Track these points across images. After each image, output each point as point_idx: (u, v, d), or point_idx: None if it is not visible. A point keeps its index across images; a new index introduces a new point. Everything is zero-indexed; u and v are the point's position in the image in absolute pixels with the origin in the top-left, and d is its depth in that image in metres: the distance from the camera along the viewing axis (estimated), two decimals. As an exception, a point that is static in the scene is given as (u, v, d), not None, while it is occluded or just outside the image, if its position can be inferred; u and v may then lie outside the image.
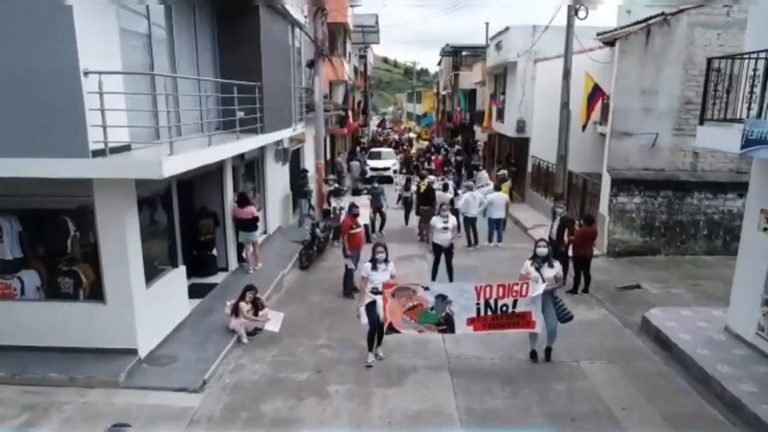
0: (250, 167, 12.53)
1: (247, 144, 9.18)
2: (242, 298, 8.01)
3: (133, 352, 6.95)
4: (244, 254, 10.98)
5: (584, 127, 15.02)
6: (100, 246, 6.65)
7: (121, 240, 6.60)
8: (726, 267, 11.76)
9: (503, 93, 22.53)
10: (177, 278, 8.33)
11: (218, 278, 10.46)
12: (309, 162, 17.28)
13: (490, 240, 13.96)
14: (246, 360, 7.46)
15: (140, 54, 7.32)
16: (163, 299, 7.65)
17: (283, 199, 15.10)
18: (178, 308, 8.28)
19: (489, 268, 12.03)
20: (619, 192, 12.25)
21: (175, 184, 8.17)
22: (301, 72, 14.26)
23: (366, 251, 10.08)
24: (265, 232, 13.62)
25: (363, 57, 41.14)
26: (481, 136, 31.39)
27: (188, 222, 10.06)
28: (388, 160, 26.85)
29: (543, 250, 7.14)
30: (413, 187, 15.80)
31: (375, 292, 7.11)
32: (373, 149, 30.29)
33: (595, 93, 15.46)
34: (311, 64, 14.05)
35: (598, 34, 15.23)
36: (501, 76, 23.07)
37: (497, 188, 14.10)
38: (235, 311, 7.96)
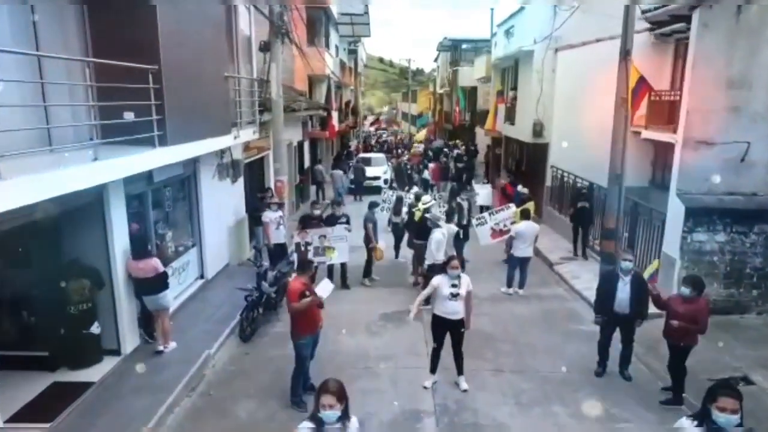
0: (171, 190, 8.87)
1: (112, 170, 5.47)
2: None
3: None
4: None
5: (626, 130, 11.46)
6: None
7: None
8: None
9: (513, 89, 18.95)
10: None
11: (101, 369, 6.77)
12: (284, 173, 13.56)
13: (509, 285, 10.34)
14: None
15: None
16: None
17: (234, 227, 11.44)
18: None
19: (511, 335, 8.38)
20: (695, 226, 8.64)
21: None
22: (252, 61, 10.59)
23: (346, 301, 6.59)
24: (201, 277, 9.99)
25: (353, 52, 37.49)
26: (483, 139, 27.78)
27: (50, 285, 6.45)
28: (379, 167, 23.21)
29: (733, 418, 3.43)
30: (405, 210, 12.15)
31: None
32: (362, 155, 26.63)
33: (640, 87, 11.96)
34: (265, 48, 10.40)
35: (643, 12, 11.73)
36: (511, 69, 19.49)
37: (525, 214, 10.42)
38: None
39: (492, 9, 23.35)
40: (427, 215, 10.18)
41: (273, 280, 8.57)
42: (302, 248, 9.81)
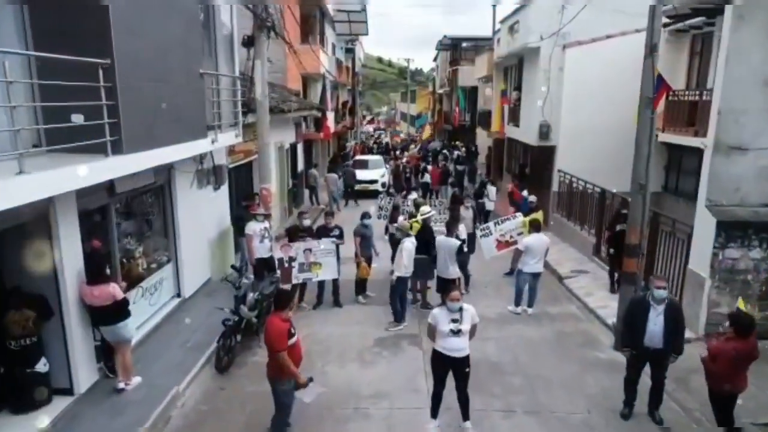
0: (140, 200, 7.93)
1: (43, 186, 4.48)
2: None
3: None
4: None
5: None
6: None
7: None
8: None
9: (517, 89, 18.03)
10: None
11: (50, 412, 5.81)
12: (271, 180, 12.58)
13: (517, 303, 9.41)
14: None
15: None
16: None
17: (216, 239, 10.51)
18: None
19: (521, 365, 7.44)
20: (727, 241, 7.72)
21: None
22: (234, 57, 9.64)
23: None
24: (178, 296, 9.06)
25: (350, 51, 36.52)
26: (485, 140, 26.85)
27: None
28: (376, 170, 22.25)
29: None
30: (401, 218, 11.19)
31: None
32: (358, 157, 25.68)
33: (658, 86, 11.07)
34: (249, 43, 9.47)
35: (664, 4, 10.83)
36: (514, 67, 18.57)
37: (534, 225, 9.47)
38: None
39: (494, 6, 22.44)
40: (394, 225, 9.91)
41: (253, 303, 7.62)
42: (285, 264, 8.90)
